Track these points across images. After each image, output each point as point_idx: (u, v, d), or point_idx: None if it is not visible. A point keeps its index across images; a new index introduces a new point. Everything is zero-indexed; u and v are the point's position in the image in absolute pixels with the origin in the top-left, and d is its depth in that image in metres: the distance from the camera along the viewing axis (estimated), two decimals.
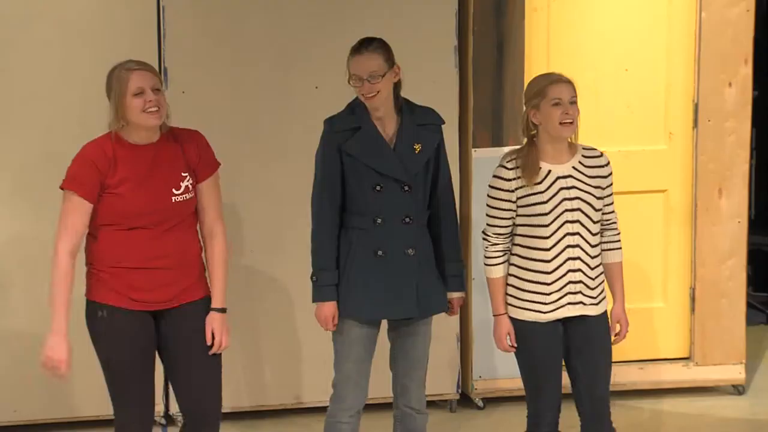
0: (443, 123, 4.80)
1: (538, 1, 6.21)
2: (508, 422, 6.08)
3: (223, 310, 4.54)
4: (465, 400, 6.30)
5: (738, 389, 6.50)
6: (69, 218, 4.41)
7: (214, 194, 4.56)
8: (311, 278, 4.69)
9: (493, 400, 6.30)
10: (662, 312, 6.42)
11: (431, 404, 4.88)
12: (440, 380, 6.06)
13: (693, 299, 6.44)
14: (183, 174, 4.46)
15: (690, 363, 6.46)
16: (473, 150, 6.12)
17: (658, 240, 6.40)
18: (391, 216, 4.64)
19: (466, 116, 6.13)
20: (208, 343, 4.50)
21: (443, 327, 5.38)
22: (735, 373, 6.47)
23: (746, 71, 6.29)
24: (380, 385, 4.94)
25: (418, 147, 4.67)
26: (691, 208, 6.40)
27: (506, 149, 6.10)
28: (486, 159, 6.10)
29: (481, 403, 6.29)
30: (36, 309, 5.84)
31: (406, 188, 4.65)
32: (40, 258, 5.82)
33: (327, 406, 4.83)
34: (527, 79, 6.12)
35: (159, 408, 4.66)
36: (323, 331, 4.75)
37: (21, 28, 5.72)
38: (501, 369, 6.22)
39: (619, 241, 4.72)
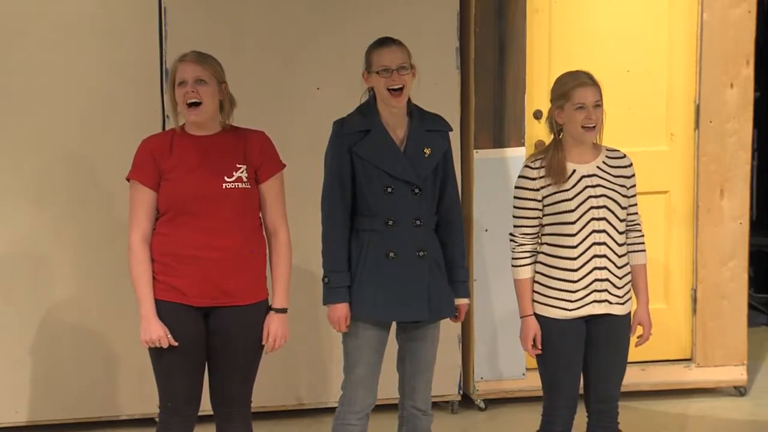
0: (451, 130, 4.79)
1: (539, 3, 6.21)
2: (510, 424, 6.08)
3: (283, 311, 4.54)
4: (466, 401, 6.30)
5: (739, 390, 6.50)
6: (135, 207, 4.43)
7: (278, 194, 4.56)
8: (323, 280, 4.67)
9: (495, 402, 6.30)
10: (664, 313, 6.41)
11: (433, 405, 4.87)
12: (442, 381, 6.04)
13: (694, 300, 6.43)
14: (238, 165, 4.46)
15: (691, 364, 6.46)
16: (475, 151, 6.11)
17: (660, 241, 6.39)
18: (402, 218, 4.63)
19: (467, 117, 6.13)
20: (263, 342, 4.50)
21: (445, 328, 5.36)
22: (736, 374, 6.46)
23: (748, 72, 6.29)
24: (385, 385, 4.93)
25: (427, 151, 4.66)
26: (692, 209, 6.40)
27: (508, 150, 6.14)
28: (487, 160, 6.09)
29: (482, 405, 6.28)
30: (36, 310, 5.84)
31: (417, 191, 4.64)
32: (40, 259, 5.83)
33: (328, 408, 4.83)
34: (529, 81, 6.14)
35: None
36: (325, 332, 4.74)
37: (21, 29, 5.71)
38: (503, 370, 6.22)
39: (643, 243, 4.73)
